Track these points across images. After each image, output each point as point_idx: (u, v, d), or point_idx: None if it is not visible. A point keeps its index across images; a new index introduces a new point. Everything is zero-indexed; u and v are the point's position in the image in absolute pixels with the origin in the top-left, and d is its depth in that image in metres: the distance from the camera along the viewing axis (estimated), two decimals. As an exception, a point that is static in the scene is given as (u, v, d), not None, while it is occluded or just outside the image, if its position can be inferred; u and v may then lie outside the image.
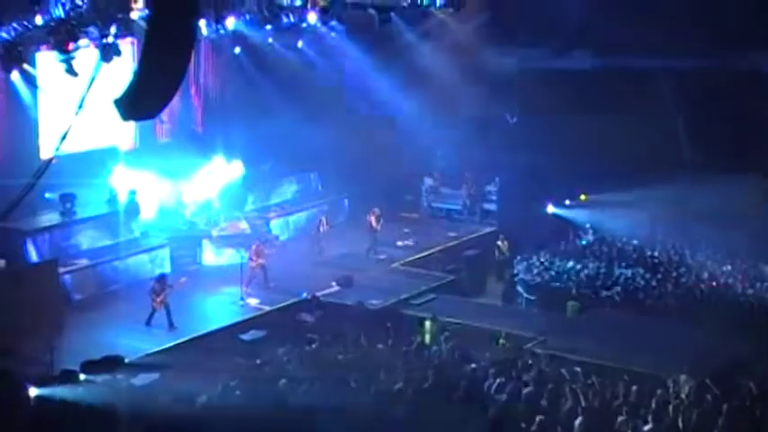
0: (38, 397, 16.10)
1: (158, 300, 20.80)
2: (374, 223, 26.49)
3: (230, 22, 23.22)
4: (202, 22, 22.05)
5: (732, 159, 26.13)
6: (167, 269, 23.44)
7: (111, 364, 18.07)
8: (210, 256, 25.32)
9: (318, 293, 22.66)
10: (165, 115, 25.74)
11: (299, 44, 27.93)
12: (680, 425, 14.88)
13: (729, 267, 23.65)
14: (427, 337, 20.19)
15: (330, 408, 15.38)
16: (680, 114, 27.90)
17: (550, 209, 28.27)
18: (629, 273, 23.74)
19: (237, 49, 27.21)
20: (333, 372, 17.08)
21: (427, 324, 20.54)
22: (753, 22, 25.85)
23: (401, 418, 15.35)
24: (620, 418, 14.97)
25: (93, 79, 13.58)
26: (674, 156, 26.97)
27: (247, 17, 23.58)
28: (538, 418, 14.73)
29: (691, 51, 26.52)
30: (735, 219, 25.05)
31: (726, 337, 20.02)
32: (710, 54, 26.48)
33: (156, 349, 19.62)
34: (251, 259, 23.20)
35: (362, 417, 15.08)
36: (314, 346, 18.70)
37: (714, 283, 22.94)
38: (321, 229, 26.53)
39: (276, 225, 27.58)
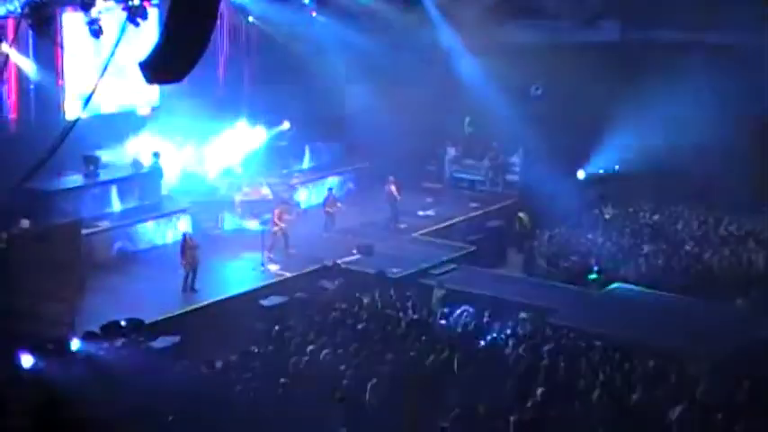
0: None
1: (184, 261, 20.89)
2: (394, 192, 26.43)
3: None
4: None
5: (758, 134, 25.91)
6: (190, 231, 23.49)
7: (132, 326, 18.21)
8: (232, 221, 25.37)
9: (339, 261, 22.68)
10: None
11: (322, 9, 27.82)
12: (699, 402, 14.84)
13: (754, 245, 23.47)
14: (433, 304, 20.25)
15: (348, 376, 15.45)
16: (709, 87, 27.61)
17: (581, 174, 28.19)
18: (651, 248, 23.61)
19: (251, 18, 27.20)
20: (351, 340, 17.12)
21: (436, 290, 20.61)
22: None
23: (417, 386, 15.41)
24: (637, 393, 14.96)
25: (118, 41, 13.53)
26: (703, 129, 26.70)
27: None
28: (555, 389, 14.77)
29: (721, 24, 26.22)
30: (760, 195, 24.89)
31: (747, 314, 19.93)
32: (742, 28, 26.14)
33: (176, 312, 19.71)
34: (273, 223, 23.23)
35: (381, 385, 15.14)
36: (334, 314, 18.73)
37: (736, 260, 22.78)
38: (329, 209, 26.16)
39: (299, 192, 27.59)
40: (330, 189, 26.99)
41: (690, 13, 26.62)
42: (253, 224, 24.55)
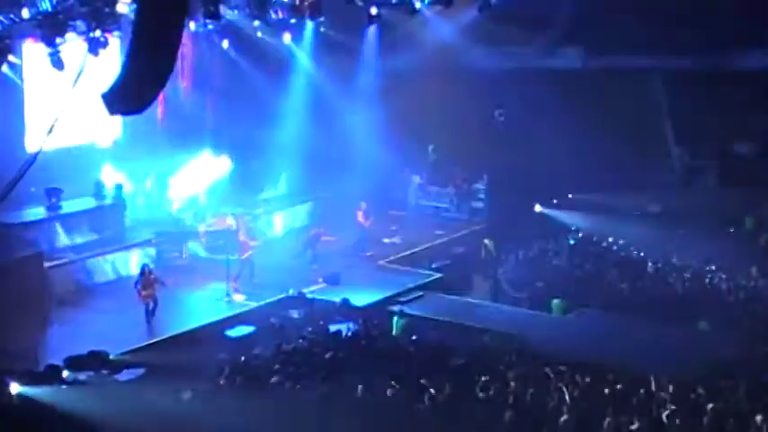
0: (20, 395, 16.06)
1: (144, 293, 20.72)
2: (361, 218, 26.43)
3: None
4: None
5: (720, 159, 26.23)
6: (151, 265, 23.32)
7: (96, 359, 18.03)
8: (197, 251, 25.23)
9: (305, 290, 22.61)
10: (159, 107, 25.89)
11: (287, 38, 27.88)
12: (664, 424, 14.91)
13: (714, 267, 23.68)
14: (395, 331, 20.25)
15: (316, 405, 15.38)
16: (668, 115, 27.98)
17: (538, 208, 28.31)
18: (614, 272, 23.76)
19: (225, 43, 27.15)
20: (320, 369, 17.06)
21: (395, 318, 20.65)
22: (743, 21, 25.90)
23: (387, 415, 15.36)
24: (605, 418, 15.00)
25: (80, 73, 13.48)
26: (663, 156, 27.03)
27: (235, 12, 23.51)
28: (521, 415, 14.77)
29: (682, 51, 26.57)
30: (722, 219, 25.16)
31: (711, 336, 20.09)
32: (702, 53, 26.51)
33: (141, 345, 19.54)
34: (243, 250, 23.15)
35: (348, 413, 15.08)
36: (300, 343, 18.66)
37: (698, 283, 22.98)
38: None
39: (263, 222, 27.51)
40: (316, 227, 26.89)
41: (651, 39, 26.95)
42: (201, 251, 24.56)
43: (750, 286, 22.61)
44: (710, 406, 15.19)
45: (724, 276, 23.01)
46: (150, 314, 20.80)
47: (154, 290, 20.84)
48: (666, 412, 15.15)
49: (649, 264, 24.30)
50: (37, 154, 14.14)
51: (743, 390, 16.15)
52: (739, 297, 22.07)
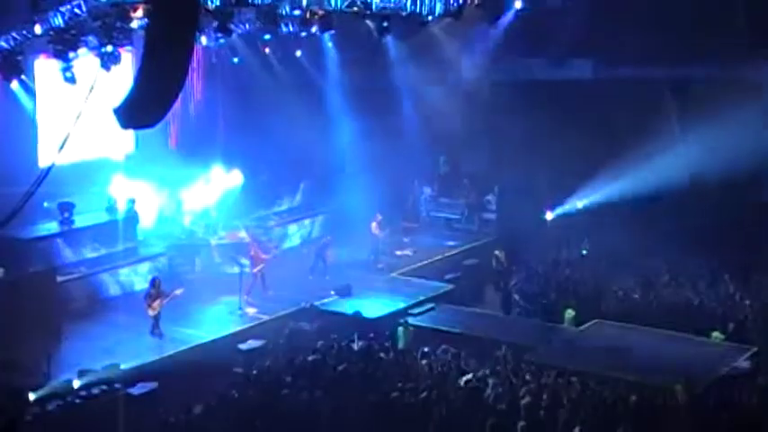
0: (35, 408, 16.13)
1: (153, 305, 20.73)
2: (375, 229, 26.47)
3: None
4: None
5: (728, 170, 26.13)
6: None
7: (109, 373, 18.07)
8: (209, 264, 25.27)
9: (317, 302, 22.62)
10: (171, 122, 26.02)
11: (298, 53, 28.05)
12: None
13: (727, 276, 23.62)
14: (401, 343, 20.24)
15: (328, 418, 15.38)
16: (679, 124, 27.91)
17: (549, 215, 28.30)
18: (628, 282, 23.70)
19: (236, 59, 27.30)
20: (331, 382, 17.06)
21: (400, 330, 20.63)
22: (756, 31, 25.86)
23: (399, 427, 15.36)
24: (618, 429, 14.97)
25: (92, 88, 13.55)
26: (674, 165, 26.91)
27: (246, 26, 23.60)
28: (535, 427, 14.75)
29: (692, 62, 26.53)
30: (728, 231, 25.08)
31: (725, 347, 20.02)
32: (713, 64, 26.46)
33: (153, 358, 19.56)
34: (252, 264, 23.18)
35: (360, 426, 15.08)
36: (313, 356, 18.65)
37: (712, 293, 22.90)
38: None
39: (275, 234, 27.56)
40: (325, 235, 26.87)
41: (661, 50, 26.93)
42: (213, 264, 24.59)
43: (764, 296, 22.52)
44: (725, 416, 15.15)
45: (738, 286, 22.93)
46: (155, 326, 20.79)
47: (163, 302, 20.85)
48: (680, 424, 15.12)
49: (663, 274, 24.24)
50: (50, 169, 14.20)
51: (757, 400, 16.11)
52: (754, 307, 21.97)
